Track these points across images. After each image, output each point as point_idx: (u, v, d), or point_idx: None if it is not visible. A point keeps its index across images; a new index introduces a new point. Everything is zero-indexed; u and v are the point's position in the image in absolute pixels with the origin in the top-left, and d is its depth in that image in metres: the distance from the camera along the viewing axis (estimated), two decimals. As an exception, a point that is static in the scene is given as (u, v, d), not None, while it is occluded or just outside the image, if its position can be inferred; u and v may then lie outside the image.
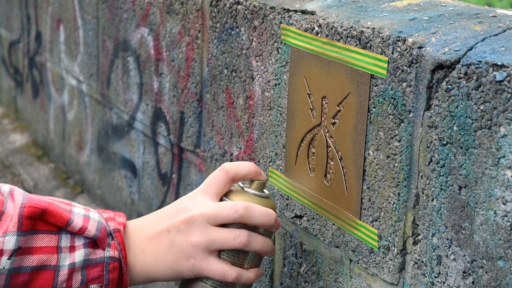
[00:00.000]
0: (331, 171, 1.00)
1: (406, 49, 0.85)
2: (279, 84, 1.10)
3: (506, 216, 0.75)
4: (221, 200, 0.95)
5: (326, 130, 1.00)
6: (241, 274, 0.94)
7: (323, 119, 1.00)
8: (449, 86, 0.80)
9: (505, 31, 0.82)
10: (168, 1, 1.44)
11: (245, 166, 0.95)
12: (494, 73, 0.75)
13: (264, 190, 0.98)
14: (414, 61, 0.85)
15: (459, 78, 0.79)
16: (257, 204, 0.94)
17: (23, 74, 2.56)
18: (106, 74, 1.80)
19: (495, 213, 0.76)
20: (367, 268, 0.95)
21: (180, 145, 1.45)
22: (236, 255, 0.94)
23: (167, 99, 1.48)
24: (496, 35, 0.81)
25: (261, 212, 0.93)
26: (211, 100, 1.31)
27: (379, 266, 0.93)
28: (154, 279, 0.95)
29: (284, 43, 1.07)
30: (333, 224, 1.01)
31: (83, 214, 0.92)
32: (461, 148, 0.80)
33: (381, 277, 0.93)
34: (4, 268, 0.85)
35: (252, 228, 0.94)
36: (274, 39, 1.10)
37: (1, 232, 0.85)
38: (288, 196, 1.10)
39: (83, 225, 0.90)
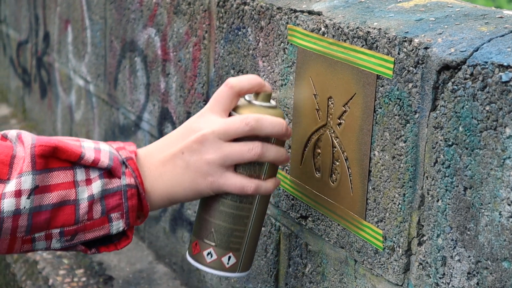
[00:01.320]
0: (336, 171, 1.00)
1: (412, 49, 0.85)
2: (285, 84, 1.10)
3: (511, 217, 0.74)
4: (229, 115, 0.95)
5: (332, 131, 1.00)
6: (260, 185, 0.94)
7: (329, 119, 1.00)
8: (455, 87, 0.80)
9: (511, 32, 0.82)
10: (175, 2, 1.44)
11: (249, 79, 0.95)
12: (500, 74, 0.75)
13: (271, 100, 0.97)
14: (420, 61, 0.84)
15: (465, 78, 0.79)
16: (266, 114, 0.94)
17: (31, 74, 2.57)
18: (113, 74, 1.81)
19: (500, 214, 0.76)
20: (372, 269, 0.95)
21: (187, 145, 1.45)
22: (252, 168, 0.95)
23: (174, 99, 1.49)
24: (503, 36, 0.81)
25: (272, 122, 0.93)
26: (217, 101, 1.31)
27: (384, 266, 0.93)
28: (175, 201, 0.96)
29: (291, 44, 1.07)
30: (338, 225, 1.01)
31: (94, 147, 0.92)
32: (467, 149, 0.79)
33: (385, 278, 0.93)
34: (25, 207, 0.86)
35: (264, 139, 0.94)
36: (281, 39, 1.10)
37: (16, 174, 0.86)
38: (294, 197, 1.10)
39: (96, 157, 0.90)
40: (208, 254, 0.98)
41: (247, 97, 0.96)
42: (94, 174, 0.90)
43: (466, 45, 0.81)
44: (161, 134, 1.57)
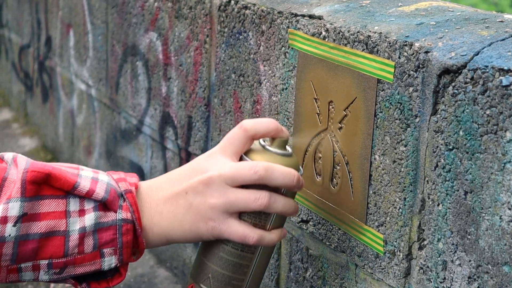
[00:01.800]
0: (337, 175, 1.00)
1: (413, 53, 0.85)
2: (286, 88, 1.10)
3: (512, 221, 0.74)
4: (241, 158, 0.90)
5: (333, 135, 1.00)
6: (263, 236, 0.89)
7: (329, 123, 1.00)
8: (456, 91, 0.80)
9: (512, 36, 0.82)
10: (176, 6, 1.44)
11: (265, 124, 0.90)
12: (501, 78, 0.75)
13: (287, 147, 0.92)
14: (420, 65, 0.84)
15: (466, 83, 0.79)
16: (278, 163, 0.89)
17: (33, 79, 2.57)
18: (115, 78, 1.81)
19: (500, 218, 0.76)
20: (372, 273, 0.95)
21: (188, 149, 1.45)
22: (258, 216, 0.89)
23: (175, 103, 1.49)
24: (503, 40, 0.81)
25: (283, 173, 0.88)
26: (218, 105, 1.31)
27: (385, 271, 0.93)
28: (173, 241, 0.91)
29: (292, 48, 1.07)
30: (339, 229, 1.01)
31: (91, 176, 0.88)
32: (467, 153, 0.79)
33: (386, 282, 0.93)
34: (10, 235, 0.82)
35: (273, 189, 0.89)
36: (282, 43, 1.10)
37: (4, 199, 0.82)
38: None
39: (91, 188, 0.86)
40: None
41: (262, 140, 0.91)
42: (88, 206, 0.87)
43: (466, 49, 0.81)
44: (162, 138, 1.57)
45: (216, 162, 0.89)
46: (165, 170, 1.57)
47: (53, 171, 0.85)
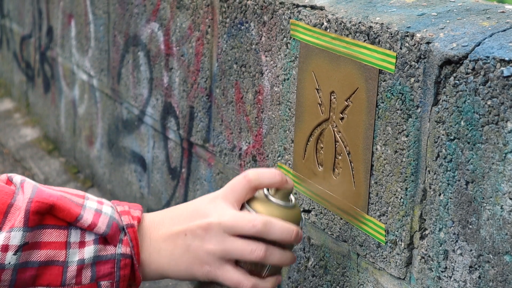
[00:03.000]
0: (339, 166, 1.00)
1: (414, 44, 0.86)
2: (288, 79, 1.10)
3: (513, 211, 0.75)
4: (243, 206, 0.92)
5: (335, 125, 1.00)
6: (257, 284, 0.91)
7: (331, 114, 1.00)
8: (457, 82, 0.81)
9: (513, 26, 0.82)
10: (178, -4, 1.45)
11: (269, 176, 0.90)
12: (502, 68, 0.75)
13: (291, 197, 0.92)
14: (422, 56, 0.85)
15: (467, 73, 0.79)
16: (280, 214, 0.89)
17: (35, 69, 2.57)
18: (116, 69, 1.81)
19: (501, 208, 0.76)
20: (374, 263, 0.96)
21: (190, 139, 1.46)
22: (254, 264, 0.90)
23: (177, 93, 1.49)
24: (504, 30, 0.81)
25: (281, 229, 0.89)
26: (220, 95, 1.31)
27: (386, 260, 0.93)
28: (168, 277, 0.93)
29: (293, 38, 1.08)
30: (341, 219, 1.01)
31: (95, 208, 0.90)
32: (468, 143, 0.80)
33: (388, 271, 0.94)
34: (10, 263, 0.84)
35: (271, 241, 0.89)
36: (283, 34, 1.10)
37: (8, 227, 0.84)
38: (296, 191, 1.10)
39: (93, 221, 0.88)
40: None
41: (266, 190, 0.92)
42: (89, 238, 0.88)
43: (468, 40, 0.81)
44: (164, 128, 1.57)
45: (217, 208, 0.91)
46: (167, 160, 1.58)
47: (57, 202, 0.86)
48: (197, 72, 1.40)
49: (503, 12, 0.88)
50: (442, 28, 0.85)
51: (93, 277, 0.88)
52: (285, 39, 1.10)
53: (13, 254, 0.84)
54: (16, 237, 0.84)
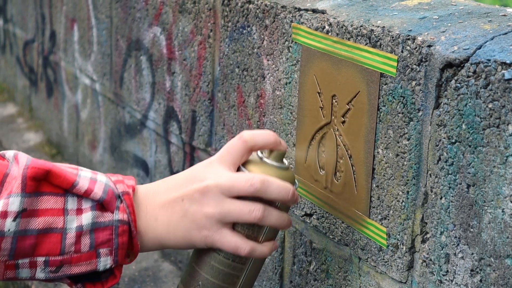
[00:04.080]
0: (340, 169, 1.00)
1: (416, 47, 0.86)
2: (289, 82, 1.10)
3: (514, 214, 0.75)
4: (238, 169, 0.91)
5: (336, 129, 1.00)
6: (255, 248, 0.90)
7: (333, 117, 1.00)
8: (458, 85, 0.81)
9: (514, 30, 0.82)
10: (180, 1, 1.45)
11: (264, 136, 0.91)
12: (503, 71, 0.75)
13: (284, 160, 0.93)
14: (423, 59, 0.85)
15: (468, 76, 0.79)
16: (275, 175, 0.90)
17: (38, 73, 2.58)
18: (119, 73, 1.81)
19: (503, 211, 0.76)
20: (376, 266, 0.96)
21: (192, 143, 1.46)
22: (251, 228, 0.90)
23: (179, 98, 1.49)
24: (506, 34, 0.81)
25: (278, 187, 0.89)
26: (222, 99, 1.31)
27: (388, 264, 0.93)
28: (166, 246, 0.92)
29: (295, 42, 1.08)
30: (342, 222, 1.01)
31: (90, 177, 0.89)
32: (470, 146, 0.80)
33: (389, 275, 0.93)
34: (9, 230, 0.83)
35: (268, 201, 0.90)
36: (285, 38, 1.10)
37: (5, 194, 0.83)
38: (298, 195, 1.10)
39: (89, 187, 0.87)
40: None
41: (260, 152, 0.93)
42: (86, 205, 0.87)
43: (469, 43, 0.81)
44: (166, 132, 1.57)
45: (214, 171, 0.90)
46: (170, 164, 1.58)
47: (53, 168, 0.86)
48: (199, 76, 1.40)
49: (504, 15, 0.88)
50: (444, 31, 0.85)
51: (92, 244, 0.87)
52: (286, 42, 1.10)
53: (12, 221, 0.83)
54: (14, 203, 0.83)
